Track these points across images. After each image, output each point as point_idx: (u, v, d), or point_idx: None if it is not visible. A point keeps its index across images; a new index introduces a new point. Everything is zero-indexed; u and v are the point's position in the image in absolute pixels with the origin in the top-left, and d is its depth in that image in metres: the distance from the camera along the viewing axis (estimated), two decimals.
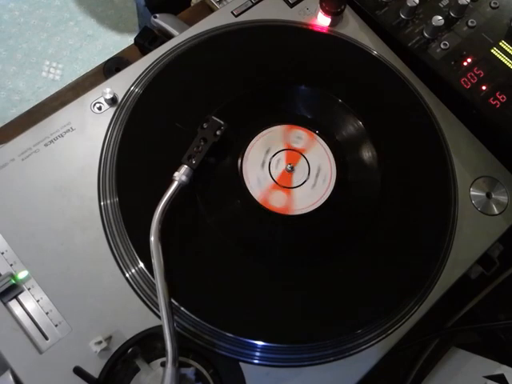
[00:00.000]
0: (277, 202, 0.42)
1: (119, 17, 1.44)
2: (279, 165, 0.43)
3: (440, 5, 0.51)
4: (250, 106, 0.46)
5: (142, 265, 0.39)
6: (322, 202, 0.43)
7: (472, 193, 0.46)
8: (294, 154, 0.44)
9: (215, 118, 0.42)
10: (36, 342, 0.36)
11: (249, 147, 0.44)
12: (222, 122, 0.41)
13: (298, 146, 0.44)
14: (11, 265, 0.38)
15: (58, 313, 0.37)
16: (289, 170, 0.43)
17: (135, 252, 0.39)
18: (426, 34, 0.50)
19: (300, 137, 0.45)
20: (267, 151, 0.44)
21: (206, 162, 0.41)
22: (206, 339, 0.37)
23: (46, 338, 0.36)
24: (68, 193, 0.40)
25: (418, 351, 0.49)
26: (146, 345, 0.36)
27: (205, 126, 0.41)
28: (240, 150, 0.43)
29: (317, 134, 0.45)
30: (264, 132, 0.44)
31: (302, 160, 0.44)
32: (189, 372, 0.35)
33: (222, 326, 0.38)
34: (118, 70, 0.52)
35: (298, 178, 0.43)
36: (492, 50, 0.49)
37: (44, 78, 1.35)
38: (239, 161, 0.43)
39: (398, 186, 0.45)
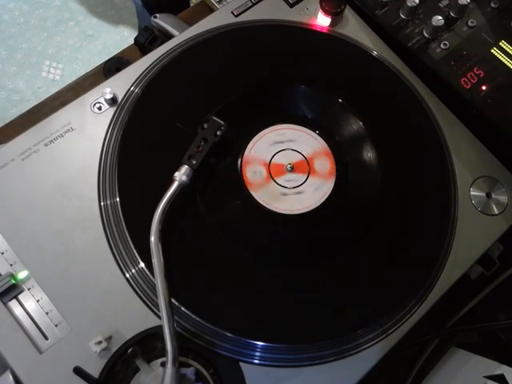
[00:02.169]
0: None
1: (119, 17, 1.44)
2: (279, 168, 0.43)
3: (440, 5, 0.51)
4: (250, 106, 0.46)
5: (142, 265, 0.39)
6: (323, 201, 0.43)
7: (472, 193, 0.46)
8: (289, 153, 0.44)
9: (215, 118, 0.42)
10: (36, 341, 0.36)
11: (249, 147, 0.44)
12: (222, 122, 0.41)
13: (288, 144, 0.44)
14: (11, 265, 0.38)
15: (58, 313, 0.37)
16: (289, 170, 0.43)
17: (135, 252, 0.39)
18: (426, 34, 0.50)
19: (288, 134, 0.45)
20: (263, 159, 0.44)
21: (206, 162, 0.41)
22: (206, 339, 0.37)
23: (46, 338, 0.36)
24: (68, 193, 0.40)
25: (417, 351, 0.49)
26: (146, 345, 0.36)
27: (205, 126, 0.41)
28: (240, 150, 0.43)
29: (317, 133, 0.45)
30: (263, 132, 0.44)
31: (298, 156, 0.44)
32: (189, 372, 0.35)
33: (222, 326, 0.38)
34: (117, 69, 0.52)
35: (298, 177, 0.43)
36: (492, 50, 0.49)
37: (44, 78, 1.35)
38: (239, 161, 0.43)
39: (397, 186, 0.45)
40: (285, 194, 0.42)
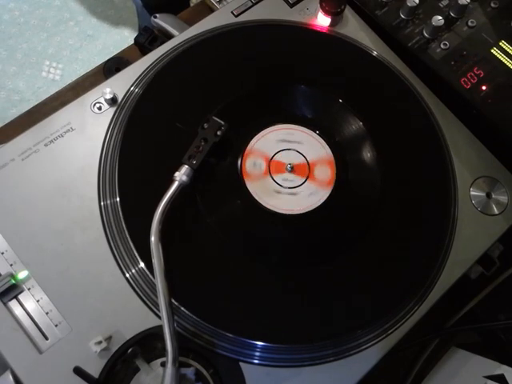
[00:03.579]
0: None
1: (119, 17, 1.44)
2: (279, 168, 0.43)
3: (440, 5, 0.51)
4: (250, 106, 0.46)
5: (142, 265, 0.39)
6: (324, 199, 0.42)
7: (472, 193, 0.46)
8: (289, 153, 0.44)
9: (216, 118, 0.42)
10: (36, 341, 0.36)
11: (249, 147, 0.44)
12: (222, 122, 0.41)
13: (288, 144, 0.44)
14: (11, 265, 0.38)
15: (58, 313, 0.37)
16: (289, 170, 0.43)
17: (135, 252, 0.39)
18: (426, 34, 0.50)
19: (287, 134, 0.45)
20: (263, 159, 0.43)
21: (206, 162, 0.41)
22: (206, 339, 0.37)
23: (46, 338, 0.36)
24: (68, 193, 0.40)
25: (417, 351, 0.49)
26: (146, 345, 0.36)
27: (205, 126, 0.41)
28: (240, 150, 0.43)
29: (317, 133, 0.45)
30: (262, 133, 0.44)
31: (298, 156, 0.44)
32: (189, 372, 0.35)
33: (222, 326, 0.38)
34: (117, 69, 0.52)
35: (295, 179, 0.43)
36: (492, 50, 0.49)
37: (44, 78, 1.35)
38: (239, 161, 0.43)
39: (397, 186, 0.45)
40: (278, 192, 0.42)
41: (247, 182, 0.42)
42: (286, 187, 0.43)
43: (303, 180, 0.43)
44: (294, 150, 0.44)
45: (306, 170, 0.44)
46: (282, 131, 0.45)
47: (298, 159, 0.44)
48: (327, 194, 0.43)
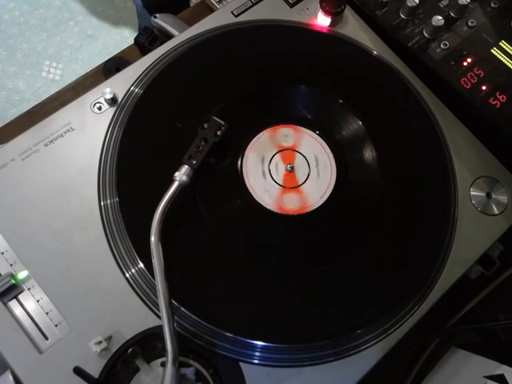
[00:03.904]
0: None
1: (119, 17, 1.44)
2: (279, 168, 0.43)
3: (440, 5, 0.51)
4: (250, 106, 0.46)
5: (142, 265, 0.39)
6: (324, 199, 0.42)
7: (472, 193, 0.46)
8: (288, 153, 0.44)
9: (216, 118, 0.42)
10: (36, 341, 0.36)
11: (249, 147, 0.44)
12: (222, 122, 0.41)
13: (288, 144, 0.44)
14: (11, 265, 0.38)
15: (58, 313, 0.37)
16: (289, 170, 0.43)
17: (135, 252, 0.39)
18: (426, 34, 0.50)
19: (287, 135, 0.45)
20: (263, 159, 0.43)
21: (206, 162, 0.41)
22: (206, 339, 0.37)
23: (46, 338, 0.36)
24: (68, 193, 0.40)
25: (417, 351, 0.49)
26: (146, 345, 0.36)
27: (205, 126, 0.41)
28: (240, 150, 0.43)
29: (317, 133, 0.45)
30: (262, 133, 0.44)
31: (298, 156, 0.44)
32: (189, 372, 0.35)
33: (222, 326, 0.38)
34: (118, 69, 0.52)
35: (296, 178, 0.43)
36: (492, 50, 0.49)
37: (44, 78, 1.35)
38: (239, 161, 0.43)
39: (397, 186, 0.45)
40: (281, 193, 0.42)
41: (247, 182, 0.42)
42: (288, 187, 0.43)
43: (303, 180, 0.43)
44: (294, 150, 0.44)
45: (305, 170, 0.44)
46: (282, 131, 0.45)
47: (297, 159, 0.44)
48: (327, 194, 0.43)
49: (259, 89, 0.47)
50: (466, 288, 0.48)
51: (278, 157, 0.44)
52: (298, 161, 0.44)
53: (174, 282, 0.37)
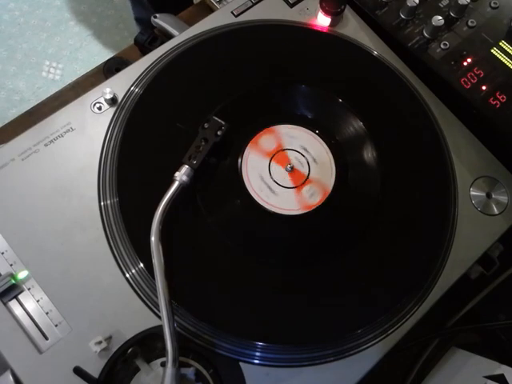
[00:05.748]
0: (313, 197, 0.42)
1: (119, 17, 1.44)
2: (279, 172, 0.43)
3: (440, 5, 0.51)
4: (250, 106, 0.46)
5: (142, 265, 0.39)
6: (324, 199, 0.42)
7: (472, 193, 0.46)
8: (279, 155, 0.44)
9: (216, 118, 0.42)
10: (36, 342, 0.36)
11: (249, 147, 0.44)
12: (222, 122, 0.41)
13: (294, 145, 0.44)
14: (11, 265, 0.38)
15: (58, 313, 0.37)
16: (289, 170, 0.43)
17: (135, 252, 0.39)
18: (425, 34, 0.50)
19: (295, 136, 0.45)
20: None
21: (206, 162, 0.41)
22: (206, 339, 0.37)
23: (46, 338, 0.36)
24: (68, 193, 0.40)
25: (418, 351, 0.49)
26: (146, 345, 0.36)
27: (206, 126, 0.41)
28: (240, 150, 0.43)
29: (317, 133, 0.45)
30: (262, 133, 0.44)
31: (301, 159, 0.44)
32: (189, 372, 0.35)
33: (222, 326, 0.38)
34: (118, 70, 0.52)
35: (296, 178, 0.43)
36: (492, 50, 0.49)
37: (44, 78, 1.35)
38: (239, 161, 0.43)
39: (397, 186, 0.45)
40: (280, 192, 0.42)
41: (247, 182, 0.42)
42: (286, 187, 0.43)
43: (303, 180, 0.43)
44: (294, 150, 0.44)
45: (306, 170, 0.44)
46: (282, 131, 0.45)
47: (297, 159, 0.44)
48: (327, 194, 0.43)
49: (259, 89, 0.47)
50: (466, 288, 0.48)
51: (278, 157, 0.44)
52: (298, 161, 0.44)
53: (174, 282, 0.37)
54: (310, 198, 0.42)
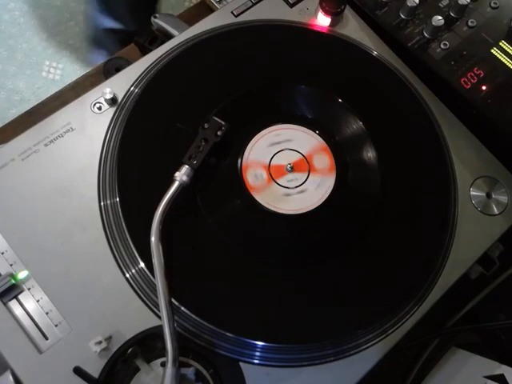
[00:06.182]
0: (283, 202, 0.42)
1: None
2: (279, 166, 0.43)
3: (440, 5, 0.51)
4: (250, 106, 0.46)
5: (142, 265, 0.39)
6: (326, 197, 0.42)
7: (472, 193, 0.46)
8: (292, 154, 0.44)
9: (216, 118, 0.42)
10: (36, 341, 0.36)
11: (249, 147, 0.44)
12: (223, 122, 0.41)
13: (293, 145, 0.44)
14: (11, 265, 0.38)
15: (58, 313, 0.37)
16: (289, 170, 0.43)
17: (135, 252, 0.39)
18: (425, 34, 0.50)
19: (284, 135, 0.44)
20: (265, 154, 0.44)
21: (206, 162, 0.41)
22: (206, 339, 0.37)
23: (46, 338, 0.36)
24: (68, 193, 0.40)
25: (418, 351, 0.49)
26: (146, 345, 0.36)
27: (206, 126, 0.41)
28: (240, 150, 0.43)
29: (317, 133, 0.45)
30: (262, 133, 0.44)
31: (301, 158, 0.44)
32: (189, 372, 0.35)
33: (222, 326, 0.38)
34: (118, 70, 0.52)
35: (299, 176, 0.43)
36: (492, 50, 0.49)
37: (44, 78, 1.35)
38: (239, 161, 0.43)
39: (397, 186, 0.45)
40: (288, 195, 0.42)
41: (255, 195, 0.42)
42: (292, 187, 0.43)
43: (306, 175, 0.43)
44: (294, 149, 0.44)
45: (305, 165, 0.44)
46: (269, 135, 0.44)
47: (294, 157, 0.44)
48: (333, 182, 0.43)
49: (259, 89, 0.47)
50: (466, 288, 0.48)
51: (277, 157, 0.44)
52: (298, 160, 0.44)
53: (174, 282, 0.37)
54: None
